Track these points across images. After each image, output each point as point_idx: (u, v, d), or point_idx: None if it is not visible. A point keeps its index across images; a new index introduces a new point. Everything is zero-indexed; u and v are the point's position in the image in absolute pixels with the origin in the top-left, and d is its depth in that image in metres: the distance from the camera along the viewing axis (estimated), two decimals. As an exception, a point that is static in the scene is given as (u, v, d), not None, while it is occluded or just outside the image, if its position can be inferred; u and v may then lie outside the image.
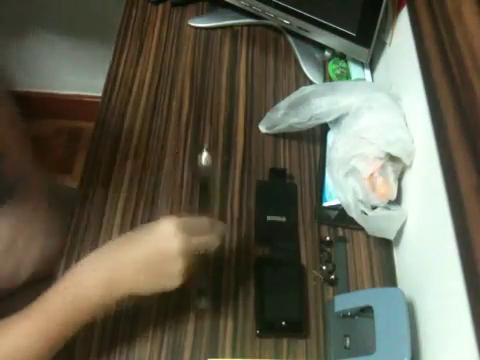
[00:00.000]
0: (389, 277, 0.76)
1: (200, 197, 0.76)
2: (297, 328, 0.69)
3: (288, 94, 0.81)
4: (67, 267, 0.71)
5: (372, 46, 0.87)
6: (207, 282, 0.71)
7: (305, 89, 0.78)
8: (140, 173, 0.81)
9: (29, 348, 0.55)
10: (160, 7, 1.05)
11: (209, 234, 0.59)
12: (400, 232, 0.75)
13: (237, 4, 0.98)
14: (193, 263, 0.57)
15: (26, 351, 0.55)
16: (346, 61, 0.98)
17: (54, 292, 0.56)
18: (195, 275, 0.60)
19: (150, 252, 0.57)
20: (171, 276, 0.57)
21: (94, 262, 0.57)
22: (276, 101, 0.86)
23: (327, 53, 0.99)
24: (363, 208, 0.72)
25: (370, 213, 0.72)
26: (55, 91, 1.70)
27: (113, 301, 0.57)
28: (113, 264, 0.57)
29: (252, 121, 0.90)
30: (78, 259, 0.71)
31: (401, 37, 0.83)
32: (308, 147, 0.88)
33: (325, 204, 0.80)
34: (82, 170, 0.82)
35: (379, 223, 0.73)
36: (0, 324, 0.55)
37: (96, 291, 0.55)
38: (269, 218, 0.78)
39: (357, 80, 0.94)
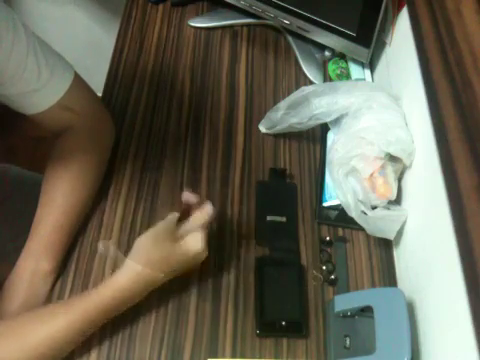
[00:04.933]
0: (389, 277, 0.76)
1: None
2: (297, 328, 0.69)
3: (288, 94, 0.81)
4: (67, 268, 0.71)
5: (372, 46, 0.87)
6: None
7: (305, 89, 0.78)
8: (140, 173, 0.81)
9: (65, 335, 0.61)
10: (160, 7, 1.05)
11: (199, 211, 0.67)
12: (400, 232, 0.75)
13: (237, 4, 0.98)
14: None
15: (63, 337, 0.61)
16: (346, 61, 0.98)
17: (108, 288, 0.62)
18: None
19: (183, 263, 0.66)
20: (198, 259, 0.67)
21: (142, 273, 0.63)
22: (276, 101, 0.86)
23: (327, 53, 0.99)
24: (363, 208, 0.72)
25: (370, 213, 0.72)
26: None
27: (146, 294, 0.65)
28: (159, 267, 0.64)
29: (252, 121, 0.90)
30: (78, 259, 0.72)
31: (401, 37, 0.83)
32: (308, 147, 0.88)
33: (325, 204, 0.80)
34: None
35: (379, 223, 0.73)
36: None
37: (141, 294, 0.65)
38: (269, 218, 0.78)
39: (357, 80, 0.94)
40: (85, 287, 0.70)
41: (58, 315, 0.61)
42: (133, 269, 0.62)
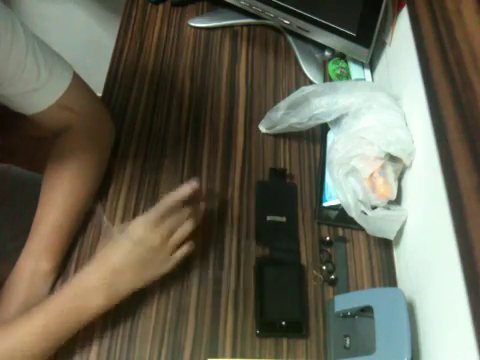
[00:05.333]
0: (389, 277, 0.76)
1: None
2: (297, 328, 0.69)
3: (288, 94, 0.81)
4: (67, 267, 0.71)
5: (372, 46, 0.87)
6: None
7: (305, 89, 0.78)
8: (140, 173, 0.81)
9: (31, 345, 0.60)
10: (160, 7, 1.05)
11: (183, 210, 0.67)
12: (400, 232, 0.75)
13: (237, 4, 0.98)
14: (177, 240, 0.66)
15: (29, 348, 0.59)
16: (346, 61, 0.98)
17: (59, 297, 0.62)
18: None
19: (134, 255, 0.63)
20: (162, 262, 0.66)
21: (92, 273, 0.63)
22: (276, 101, 0.86)
23: (327, 53, 0.99)
24: (363, 208, 0.72)
25: (370, 213, 0.72)
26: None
27: (112, 302, 0.63)
28: (109, 273, 0.63)
29: (252, 121, 0.90)
30: (78, 259, 0.72)
31: (401, 37, 0.83)
32: (308, 147, 0.88)
33: (325, 204, 0.80)
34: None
35: (379, 223, 0.73)
36: (7, 322, 0.61)
37: (98, 301, 0.62)
38: (269, 218, 0.78)
39: (357, 80, 0.94)
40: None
41: (15, 328, 0.60)
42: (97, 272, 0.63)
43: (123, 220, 0.76)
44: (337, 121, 0.79)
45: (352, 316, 0.68)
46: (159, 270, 0.66)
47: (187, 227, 0.67)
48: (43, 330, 0.59)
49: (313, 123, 0.80)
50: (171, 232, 0.65)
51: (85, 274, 0.62)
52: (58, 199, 0.70)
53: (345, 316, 0.68)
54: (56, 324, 0.60)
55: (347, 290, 0.74)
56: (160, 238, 0.64)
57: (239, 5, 0.98)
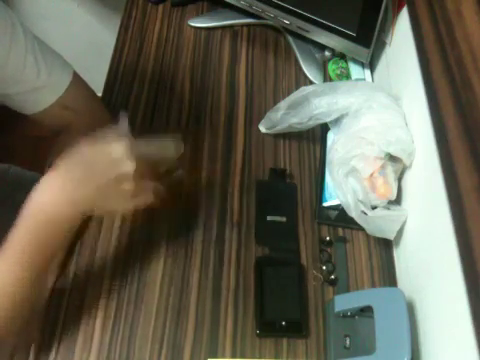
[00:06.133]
0: (389, 277, 0.76)
1: None
2: (297, 328, 0.69)
3: (288, 94, 0.81)
4: (67, 267, 0.71)
5: (372, 46, 0.87)
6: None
7: (305, 89, 0.78)
8: (140, 173, 0.81)
9: (14, 276, 0.57)
10: (160, 7, 1.05)
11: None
12: (400, 232, 0.75)
13: (237, 4, 0.98)
14: (145, 171, 0.59)
15: (12, 282, 0.57)
16: (346, 61, 0.98)
17: (25, 219, 0.58)
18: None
19: (102, 167, 0.58)
20: (125, 180, 0.58)
21: (55, 186, 0.58)
22: (276, 101, 0.86)
23: (327, 53, 0.99)
24: (363, 208, 0.72)
25: (370, 213, 0.72)
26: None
27: (79, 219, 0.60)
28: (74, 185, 0.58)
29: (252, 121, 0.90)
30: (78, 259, 0.72)
31: (401, 37, 0.83)
32: (308, 147, 0.88)
33: (325, 204, 0.80)
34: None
35: (379, 223, 0.73)
36: None
37: (63, 210, 0.57)
38: (269, 218, 0.78)
39: (357, 80, 0.94)
40: (85, 287, 0.70)
41: None
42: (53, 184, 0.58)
43: (122, 218, 0.76)
44: (337, 121, 0.79)
45: (352, 316, 0.68)
46: (117, 202, 0.61)
47: (159, 186, 0.62)
48: (21, 258, 0.57)
49: (313, 123, 0.80)
50: (143, 175, 0.60)
51: (48, 183, 0.58)
52: None
53: (345, 316, 0.68)
54: (31, 246, 0.57)
55: (347, 290, 0.74)
56: (133, 173, 0.58)
57: (239, 5, 0.98)
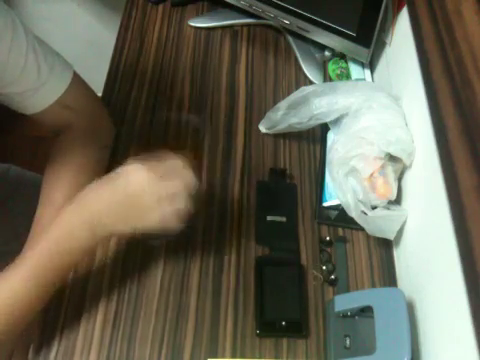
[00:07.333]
0: (389, 277, 0.76)
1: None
2: (297, 328, 0.69)
3: (288, 94, 0.81)
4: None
5: (372, 46, 0.87)
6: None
7: (305, 89, 0.78)
8: (140, 173, 0.81)
9: (22, 293, 0.59)
10: (160, 7, 1.05)
11: (182, 175, 0.63)
12: (400, 232, 0.75)
13: (237, 4, 0.98)
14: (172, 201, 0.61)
15: (19, 297, 0.58)
16: (346, 61, 0.98)
17: (45, 241, 0.60)
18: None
19: (123, 195, 0.61)
20: (147, 212, 0.61)
21: (77, 209, 0.61)
22: (276, 101, 0.86)
23: (327, 53, 0.99)
24: (363, 208, 0.72)
25: (370, 213, 0.72)
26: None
27: (97, 242, 0.62)
28: (94, 208, 0.61)
29: (252, 121, 0.90)
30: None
31: (401, 37, 0.83)
32: (308, 147, 0.88)
33: (325, 204, 0.80)
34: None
35: (379, 223, 0.73)
36: None
37: (81, 234, 0.60)
38: (269, 218, 0.78)
39: (357, 80, 0.94)
40: (85, 287, 0.70)
41: None
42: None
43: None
44: (337, 121, 0.79)
45: (352, 316, 0.68)
46: (146, 221, 0.62)
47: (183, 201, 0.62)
48: (33, 275, 0.59)
49: (313, 123, 0.80)
50: (168, 195, 0.61)
51: (68, 215, 0.61)
52: (58, 199, 0.70)
53: (345, 316, 0.68)
54: (45, 269, 0.59)
55: (347, 290, 0.74)
56: (157, 197, 0.60)
57: (239, 5, 0.98)
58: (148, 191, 0.60)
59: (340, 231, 0.80)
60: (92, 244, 0.62)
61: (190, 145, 0.85)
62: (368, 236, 0.78)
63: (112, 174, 0.62)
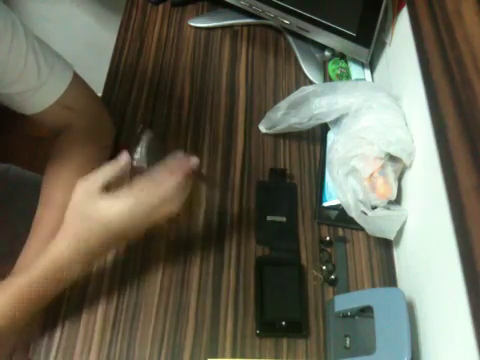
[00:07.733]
0: (389, 277, 0.76)
1: None
2: (297, 328, 0.69)
3: (288, 94, 0.81)
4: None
5: (372, 46, 0.87)
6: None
7: (305, 89, 0.78)
8: (140, 173, 0.81)
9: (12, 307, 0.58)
10: (160, 7, 1.05)
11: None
12: (400, 232, 0.75)
13: (237, 4, 0.98)
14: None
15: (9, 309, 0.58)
16: (346, 61, 0.98)
17: (36, 270, 0.59)
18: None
19: (114, 229, 0.59)
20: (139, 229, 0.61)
21: (66, 238, 0.60)
22: (276, 101, 0.86)
23: (327, 53, 0.99)
24: (363, 208, 0.72)
25: (370, 213, 0.72)
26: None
27: (88, 266, 0.64)
28: (83, 246, 0.59)
29: (252, 121, 0.90)
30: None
31: (401, 37, 0.83)
32: (308, 147, 0.88)
33: (325, 204, 0.80)
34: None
35: (379, 223, 0.73)
36: None
37: (75, 272, 0.61)
38: (269, 218, 0.78)
39: (357, 80, 0.94)
40: (85, 287, 0.70)
41: None
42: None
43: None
44: (337, 121, 0.79)
45: (352, 316, 0.68)
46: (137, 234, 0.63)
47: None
48: (22, 296, 0.58)
49: (313, 123, 0.80)
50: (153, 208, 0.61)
51: (59, 248, 0.59)
52: (58, 199, 0.70)
53: (345, 316, 0.68)
54: (35, 293, 0.59)
55: (347, 290, 0.74)
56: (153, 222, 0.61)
57: (239, 5, 0.98)
58: (146, 221, 0.60)
59: (340, 231, 0.80)
60: (84, 269, 0.62)
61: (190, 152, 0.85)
62: (368, 236, 0.78)
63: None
